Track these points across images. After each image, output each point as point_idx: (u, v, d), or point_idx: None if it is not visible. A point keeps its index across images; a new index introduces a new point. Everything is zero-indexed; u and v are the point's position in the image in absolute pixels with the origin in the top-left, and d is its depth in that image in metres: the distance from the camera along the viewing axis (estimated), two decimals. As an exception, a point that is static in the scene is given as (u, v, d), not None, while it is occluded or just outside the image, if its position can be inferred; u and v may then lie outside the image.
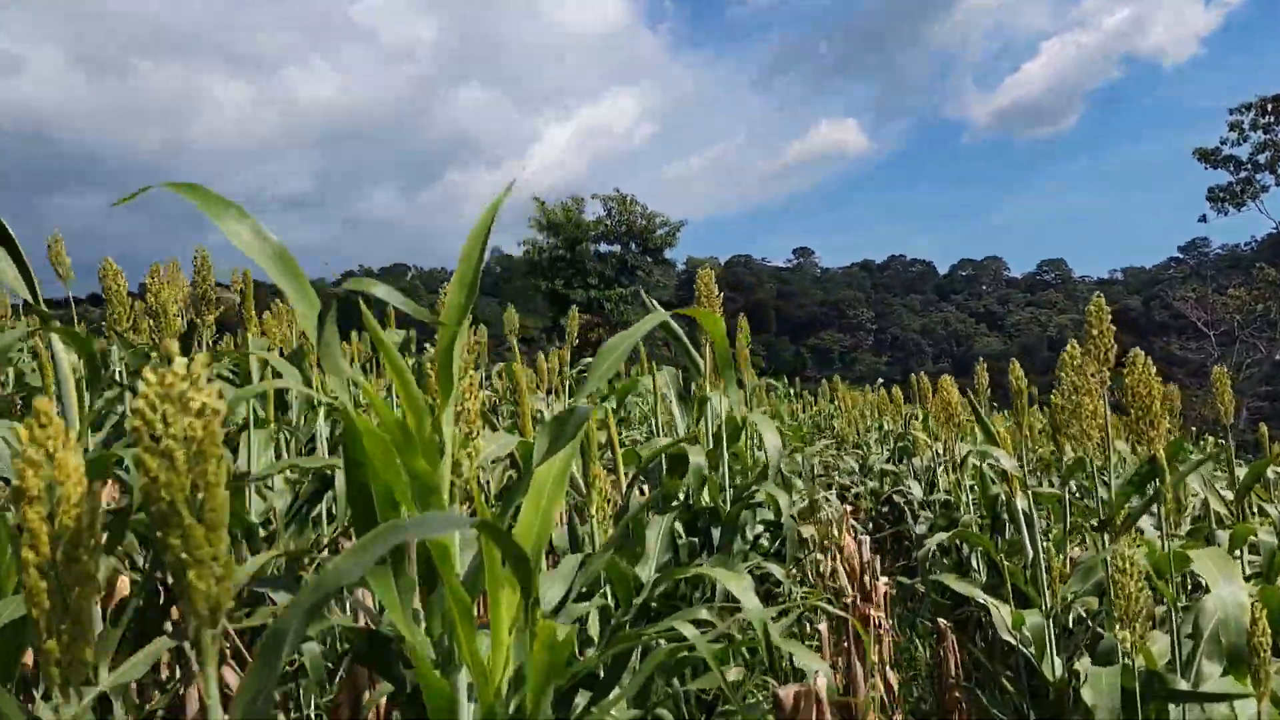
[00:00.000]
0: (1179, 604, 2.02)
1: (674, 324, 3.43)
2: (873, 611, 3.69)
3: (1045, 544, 2.93)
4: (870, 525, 5.66)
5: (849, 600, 3.82)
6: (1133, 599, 1.80)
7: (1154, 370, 2.03)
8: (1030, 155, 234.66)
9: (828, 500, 4.55)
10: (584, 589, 2.36)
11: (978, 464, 3.50)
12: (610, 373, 1.53)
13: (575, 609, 1.91)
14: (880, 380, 12.03)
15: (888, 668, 3.62)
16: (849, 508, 4.74)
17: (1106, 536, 2.18)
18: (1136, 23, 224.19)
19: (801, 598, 3.73)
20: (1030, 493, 2.80)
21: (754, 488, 2.98)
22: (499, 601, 1.26)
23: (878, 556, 4.12)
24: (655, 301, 3.58)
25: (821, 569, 4.42)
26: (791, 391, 12.14)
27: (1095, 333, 2.07)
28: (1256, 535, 2.95)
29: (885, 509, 5.76)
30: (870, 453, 7.08)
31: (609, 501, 2.38)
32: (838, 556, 4.29)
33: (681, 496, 3.31)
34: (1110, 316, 2.10)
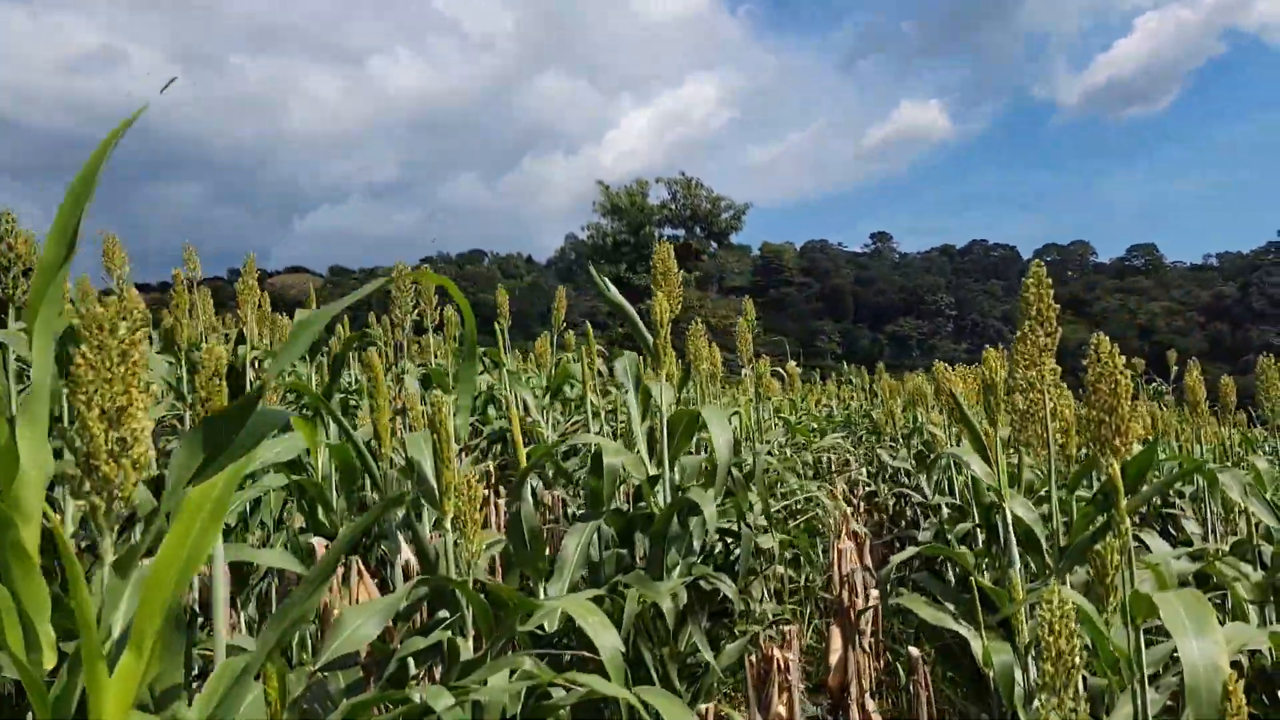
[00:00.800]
0: (1143, 664, 1.58)
1: (623, 301, 3.08)
2: (857, 635, 3.28)
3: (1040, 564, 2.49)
4: (886, 529, 5.21)
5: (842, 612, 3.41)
6: (1063, 660, 1.38)
7: (1121, 361, 1.60)
8: (1122, 136, 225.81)
9: (818, 503, 4.14)
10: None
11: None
12: (300, 351, 1.18)
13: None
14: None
15: (867, 696, 3.21)
16: (850, 509, 4.31)
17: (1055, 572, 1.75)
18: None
19: (774, 615, 3.34)
20: (1015, 504, 2.36)
21: (689, 489, 2.60)
22: (96, 679, 0.92)
23: (866, 566, 3.69)
24: (607, 281, 3.23)
25: (807, 580, 4.01)
26: (842, 379, 11.64)
27: (1034, 311, 1.63)
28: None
29: (906, 510, 5.29)
30: (900, 447, 6.58)
31: (482, 509, 2.03)
32: (835, 563, 3.87)
33: (620, 500, 2.95)
34: (1052, 288, 1.65)
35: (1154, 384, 10.36)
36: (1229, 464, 4.76)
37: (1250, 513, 2.72)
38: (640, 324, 2.94)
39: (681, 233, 41.10)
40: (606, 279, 3.17)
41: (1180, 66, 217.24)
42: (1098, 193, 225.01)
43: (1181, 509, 4.04)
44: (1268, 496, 3.58)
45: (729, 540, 3.06)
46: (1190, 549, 2.65)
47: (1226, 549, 3.07)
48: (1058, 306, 1.60)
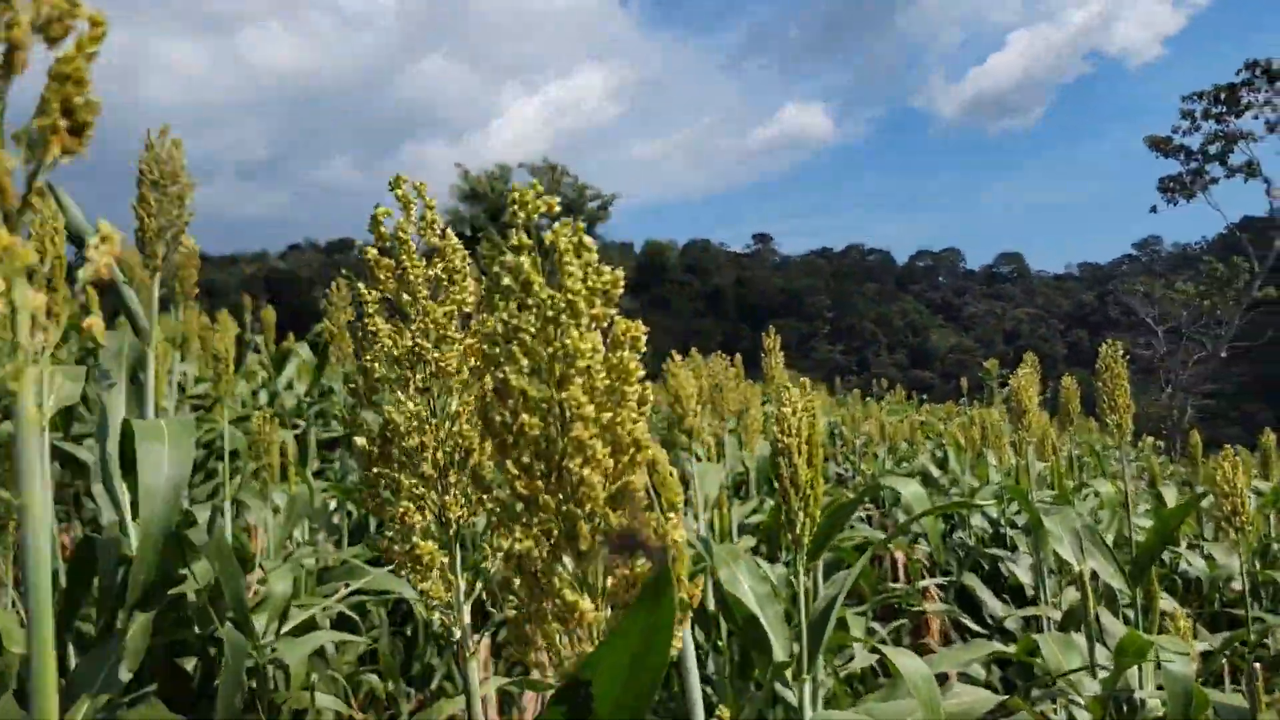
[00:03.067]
0: None
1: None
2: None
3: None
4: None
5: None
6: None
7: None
8: (994, 149, 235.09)
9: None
10: None
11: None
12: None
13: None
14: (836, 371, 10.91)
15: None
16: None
17: None
18: (1105, 19, 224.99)
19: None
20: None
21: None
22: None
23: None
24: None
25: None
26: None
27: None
28: (1159, 654, 1.69)
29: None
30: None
31: None
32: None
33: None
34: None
35: (1006, 387, 9.98)
36: (1073, 485, 4.16)
37: (1083, 574, 2.00)
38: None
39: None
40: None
41: (1048, 83, 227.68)
42: (970, 201, 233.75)
43: (1015, 546, 3.38)
44: (1120, 525, 2.92)
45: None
46: (984, 648, 1.86)
47: (1058, 616, 2.36)
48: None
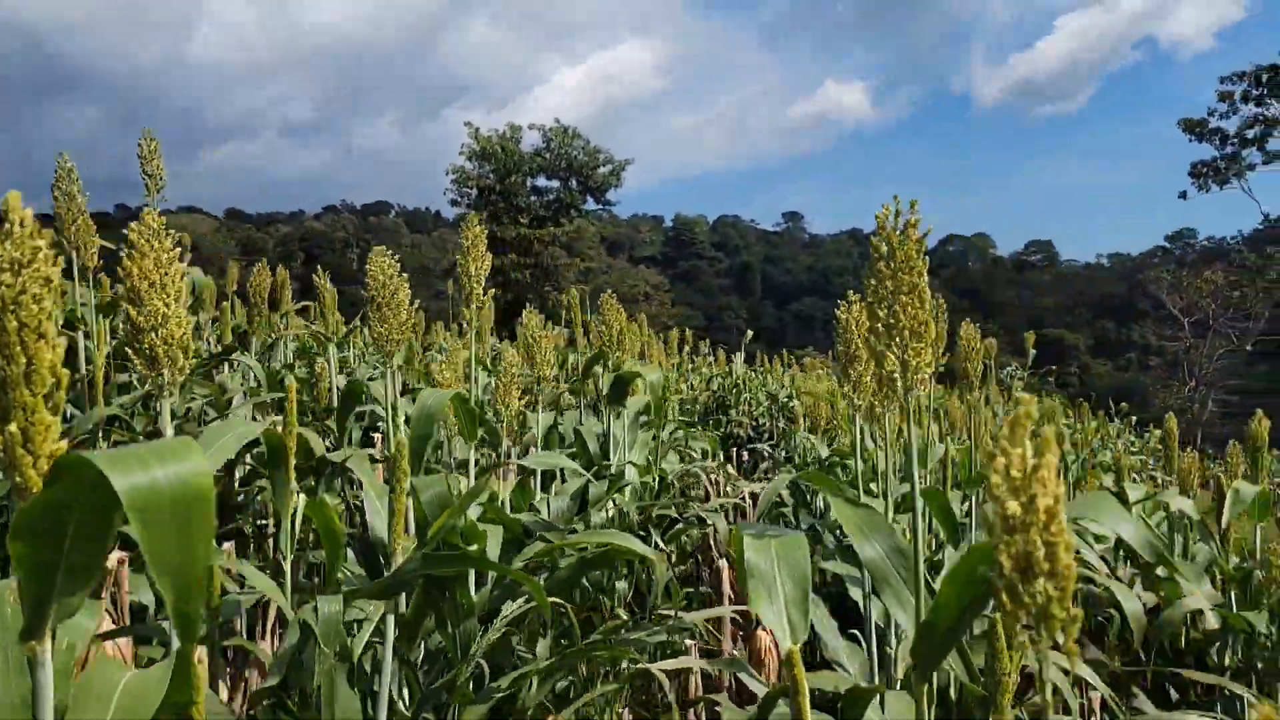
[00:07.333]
0: None
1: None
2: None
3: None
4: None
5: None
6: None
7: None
8: (1035, 134, 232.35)
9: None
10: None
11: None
12: None
13: None
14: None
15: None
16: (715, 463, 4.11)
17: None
18: (1160, 5, 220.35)
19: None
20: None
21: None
22: None
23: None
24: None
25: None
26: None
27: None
28: None
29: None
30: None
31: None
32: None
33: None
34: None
35: (1009, 369, 10.50)
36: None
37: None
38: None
39: (556, 184, 37.23)
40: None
41: (1095, 70, 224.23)
42: (1004, 186, 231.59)
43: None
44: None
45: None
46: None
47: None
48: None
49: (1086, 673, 2.42)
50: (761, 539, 1.44)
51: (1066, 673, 2.60)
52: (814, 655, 2.56)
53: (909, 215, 1.36)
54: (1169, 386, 32.01)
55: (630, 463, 3.82)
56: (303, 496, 2.04)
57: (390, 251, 2.32)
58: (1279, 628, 2.84)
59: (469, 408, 2.39)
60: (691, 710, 2.63)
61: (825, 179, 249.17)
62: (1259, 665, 2.91)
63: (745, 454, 6.27)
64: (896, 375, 1.36)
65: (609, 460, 3.87)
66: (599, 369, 4.12)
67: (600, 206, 39.02)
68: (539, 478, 3.42)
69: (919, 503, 1.56)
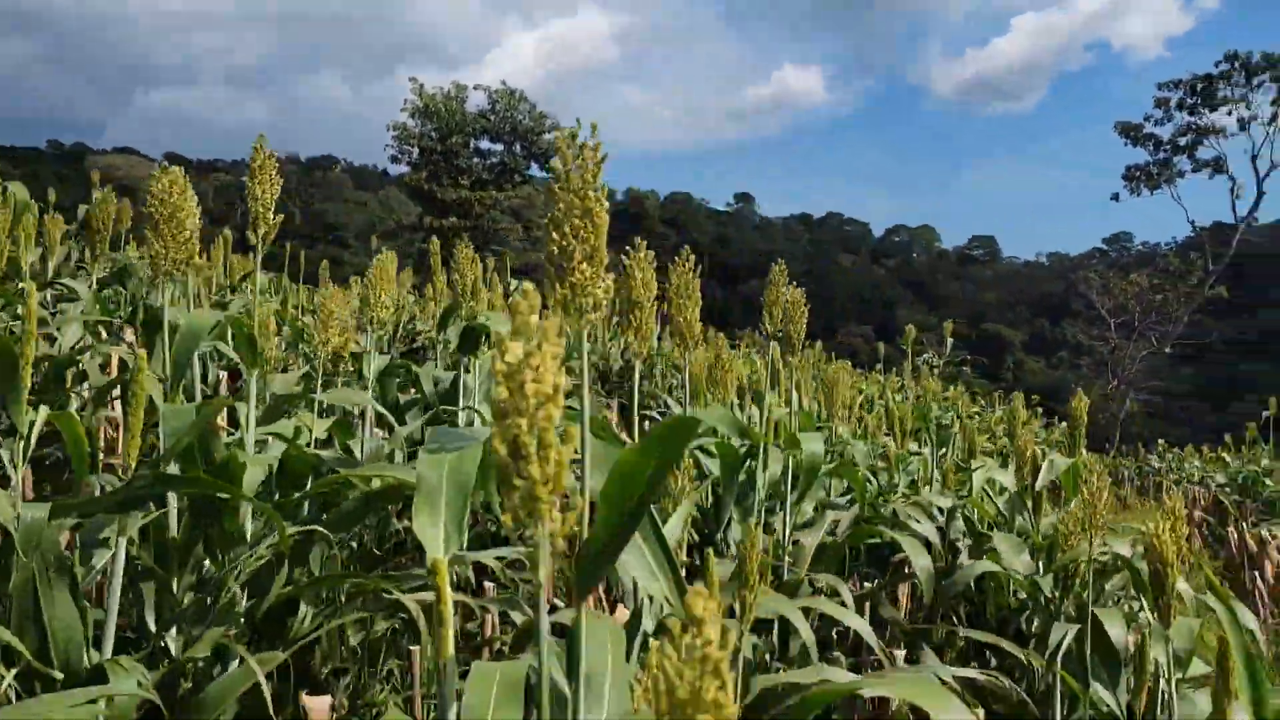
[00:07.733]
0: None
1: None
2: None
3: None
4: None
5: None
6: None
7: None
8: (982, 131, 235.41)
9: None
10: None
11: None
12: None
13: None
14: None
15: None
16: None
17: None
18: (1115, 9, 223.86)
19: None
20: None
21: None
22: None
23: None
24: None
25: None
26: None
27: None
28: None
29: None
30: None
31: None
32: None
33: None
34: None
35: (924, 355, 10.71)
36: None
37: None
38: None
39: (500, 148, 36.48)
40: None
41: (1049, 70, 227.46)
42: (951, 180, 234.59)
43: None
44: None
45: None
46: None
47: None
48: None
49: (857, 622, 2.48)
50: (438, 454, 1.44)
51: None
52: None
53: (590, 138, 1.36)
54: (1093, 385, 32.84)
55: (476, 411, 3.81)
56: (45, 408, 2.00)
57: (184, 171, 2.27)
58: (1062, 590, 2.94)
59: (248, 334, 2.36)
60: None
61: (778, 162, 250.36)
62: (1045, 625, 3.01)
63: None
64: (567, 298, 1.37)
65: (454, 407, 3.87)
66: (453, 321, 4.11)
67: (548, 174, 38.54)
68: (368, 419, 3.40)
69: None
